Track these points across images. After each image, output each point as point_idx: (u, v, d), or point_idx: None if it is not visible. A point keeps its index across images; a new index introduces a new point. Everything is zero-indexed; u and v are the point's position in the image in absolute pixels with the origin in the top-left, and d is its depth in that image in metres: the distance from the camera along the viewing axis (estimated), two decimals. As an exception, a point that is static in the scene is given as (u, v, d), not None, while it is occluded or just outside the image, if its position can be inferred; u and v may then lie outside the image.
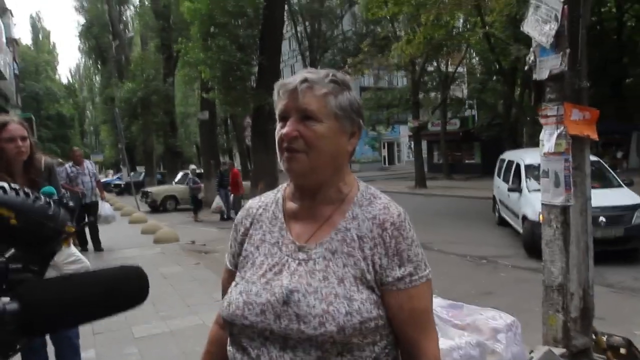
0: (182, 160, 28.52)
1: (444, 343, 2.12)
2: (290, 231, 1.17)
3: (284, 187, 1.28)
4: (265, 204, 1.26)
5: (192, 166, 16.35)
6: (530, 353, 3.18)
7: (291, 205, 1.21)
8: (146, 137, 25.74)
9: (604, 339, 3.51)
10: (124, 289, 0.96)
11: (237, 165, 21.28)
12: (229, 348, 1.16)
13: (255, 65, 12.56)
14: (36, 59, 51.49)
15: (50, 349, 2.92)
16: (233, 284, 1.18)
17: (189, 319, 4.92)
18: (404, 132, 35.85)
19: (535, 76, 3.46)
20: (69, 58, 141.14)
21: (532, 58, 3.48)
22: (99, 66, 35.72)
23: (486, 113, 27.81)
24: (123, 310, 0.99)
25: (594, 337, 3.44)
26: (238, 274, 1.20)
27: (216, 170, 15.72)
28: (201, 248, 9.33)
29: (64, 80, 69.05)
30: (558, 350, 3.20)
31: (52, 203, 0.94)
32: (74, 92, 63.83)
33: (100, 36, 32.44)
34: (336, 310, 1.03)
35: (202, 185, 15.73)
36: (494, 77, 22.21)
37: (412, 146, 26.62)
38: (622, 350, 3.43)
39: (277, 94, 1.16)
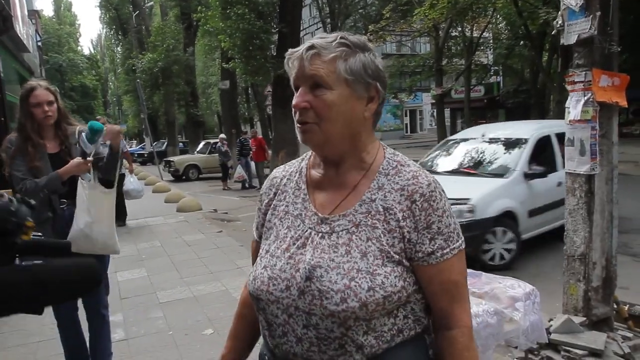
0: (204, 129, 28.71)
1: (461, 311, 2.14)
2: (314, 202, 1.15)
3: (308, 156, 1.24)
4: (290, 173, 1.24)
5: (222, 135, 16.41)
6: (549, 321, 3.19)
7: (315, 174, 1.18)
8: (168, 107, 25.88)
9: (626, 308, 3.49)
10: (74, 280, 1.15)
11: (259, 134, 21.34)
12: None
13: (275, 33, 12.41)
14: (58, 30, 51.72)
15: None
16: (258, 257, 1.18)
17: (212, 285, 5.05)
18: (426, 100, 35.25)
19: (562, 41, 3.34)
20: (90, 29, 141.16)
21: (559, 22, 3.35)
22: (120, 37, 35.72)
23: (512, 79, 27.10)
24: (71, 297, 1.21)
25: (615, 306, 3.42)
26: (262, 245, 1.19)
27: (237, 140, 15.76)
28: (223, 216, 9.47)
29: (86, 52, 69.48)
30: (578, 319, 3.19)
31: (14, 200, 1.09)
32: (96, 63, 64.21)
33: (120, 7, 32.35)
34: (358, 286, 1.00)
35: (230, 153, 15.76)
36: (521, 42, 21.48)
37: (435, 114, 26.19)
38: (644, 320, 3.41)
39: (287, 64, 1.12)
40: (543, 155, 6.58)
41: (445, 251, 1.06)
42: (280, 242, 1.13)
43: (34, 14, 24.03)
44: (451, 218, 1.09)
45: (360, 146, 1.12)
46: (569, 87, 3.36)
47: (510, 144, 6.50)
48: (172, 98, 24.63)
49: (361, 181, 1.12)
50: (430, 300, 1.10)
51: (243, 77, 13.76)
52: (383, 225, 1.06)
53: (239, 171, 14.57)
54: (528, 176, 5.97)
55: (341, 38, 1.08)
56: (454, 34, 22.44)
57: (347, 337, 1.02)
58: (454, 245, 1.07)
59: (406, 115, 41.00)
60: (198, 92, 28.28)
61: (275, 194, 1.23)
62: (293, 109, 1.10)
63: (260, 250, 1.19)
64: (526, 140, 6.34)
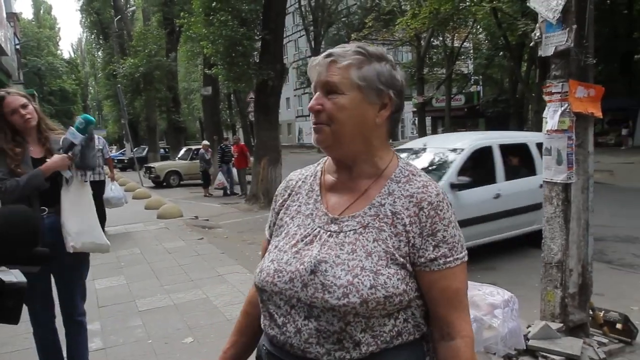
0: (186, 136, 28.49)
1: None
2: (326, 203, 1.19)
3: (324, 161, 1.29)
4: (305, 176, 1.29)
5: (205, 142, 16.29)
6: (527, 327, 3.23)
7: (329, 177, 1.23)
8: (149, 113, 25.64)
9: (601, 314, 3.55)
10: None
11: (241, 141, 21.28)
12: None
13: (258, 40, 12.41)
14: (38, 34, 50.98)
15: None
16: (267, 252, 1.22)
17: (193, 292, 4.99)
18: (407, 108, 35.58)
19: (540, 52, 3.42)
20: (70, 33, 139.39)
21: (537, 34, 3.44)
22: (101, 41, 35.32)
23: (492, 89, 27.58)
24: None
25: (591, 312, 3.49)
26: (271, 242, 1.24)
27: (218, 146, 15.67)
28: (204, 223, 9.39)
29: (66, 56, 68.56)
30: (555, 325, 3.24)
31: None
32: (76, 67, 63.35)
33: (101, 11, 32.00)
34: (360, 283, 1.04)
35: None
36: (501, 53, 21.87)
37: (416, 122, 26.46)
38: (619, 326, 3.48)
39: (309, 71, 1.18)
40: (482, 167, 6.58)
41: (448, 259, 1.09)
42: (289, 238, 1.18)
43: (13, 17, 23.64)
44: (457, 230, 1.12)
45: (372, 151, 1.17)
46: (546, 98, 3.44)
47: (445, 155, 6.48)
48: (153, 104, 24.42)
49: (372, 186, 1.16)
50: (430, 306, 1.12)
51: (225, 83, 13.69)
52: (390, 229, 1.09)
53: (220, 178, 14.48)
54: (455, 187, 5.87)
55: (358, 47, 1.14)
56: (435, 43, 22.75)
57: (345, 333, 1.05)
58: (458, 256, 1.10)
59: (388, 123, 41.27)
60: (180, 98, 28.08)
61: (289, 195, 1.28)
62: (309, 112, 1.17)
63: (270, 246, 1.23)
64: (460, 151, 6.30)
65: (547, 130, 3.40)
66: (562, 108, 3.30)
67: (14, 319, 1.15)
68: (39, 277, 2.65)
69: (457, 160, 6.15)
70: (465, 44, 23.35)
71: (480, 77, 27.03)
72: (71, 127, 2.72)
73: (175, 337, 3.94)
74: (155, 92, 23.02)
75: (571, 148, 3.31)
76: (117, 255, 6.61)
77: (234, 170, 14.48)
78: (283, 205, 1.27)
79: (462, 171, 6.09)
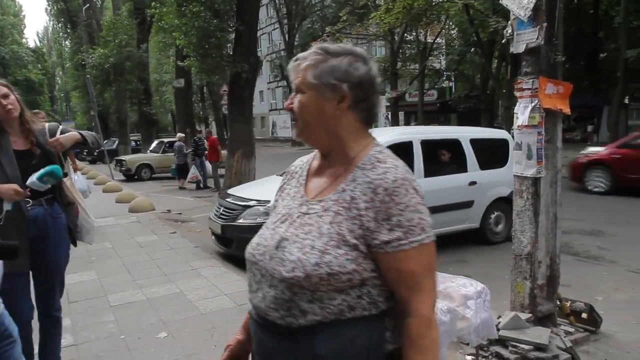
0: (157, 128, 27.98)
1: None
2: (306, 187, 1.33)
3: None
4: (303, 162, 1.43)
5: (180, 134, 16.04)
6: (498, 318, 3.32)
7: (314, 164, 1.37)
8: (120, 105, 25.04)
9: (568, 304, 3.68)
10: None
11: (214, 134, 21.03)
12: None
13: (232, 32, 12.27)
14: (1, 21, 49.19)
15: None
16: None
17: (166, 287, 4.94)
18: (381, 103, 35.81)
19: (512, 49, 3.50)
20: (36, 21, 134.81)
21: (509, 31, 3.50)
22: (69, 30, 34.34)
23: (463, 85, 27.99)
24: None
25: (558, 303, 3.61)
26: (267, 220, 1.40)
27: (191, 139, 15.46)
28: (177, 217, 9.28)
29: (32, 44, 66.27)
30: (524, 316, 3.34)
31: None
32: (42, 56, 61.39)
33: (69, -1, 31.18)
34: (307, 260, 1.16)
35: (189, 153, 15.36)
36: (472, 49, 22.21)
37: (390, 117, 26.67)
38: (584, 315, 3.61)
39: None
40: None
41: (402, 242, 1.15)
42: (274, 217, 1.33)
43: (-26, 3, 22.71)
44: (416, 213, 1.17)
45: (341, 141, 1.27)
46: (517, 94, 3.52)
47: None
48: (124, 95, 23.88)
49: (343, 173, 1.26)
50: (390, 286, 1.20)
51: (198, 75, 13.49)
52: (346, 213, 1.19)
53: (193, 171, 14.31)
54: None
55: (318, 47, 1.28)
56: (408, 38, 22.94)
57: (293, 302, 1.18)
58: (414, 239, 1.16)
59: (362, 118, 41.45)
60: (151, 90, 27.55)
61: (288, 179, 1.43)
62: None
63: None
64: None
65: (518, 126, 3.48)
66: (533, 104, 3.38)
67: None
68: (22, 272, 2.60)
69: None
70: (438, 39, 23.62)
71: (453, 73, 27.40)
72: (34, 176, 2.57)
73: (148, 332, 3.90)
74: (125, 83, 22.50)
75: (541, 143, 3.40)
76: (88, 250, 6.47)
77: (208, 164, 14.32)
78: (280, 188, 1.43)
79: None
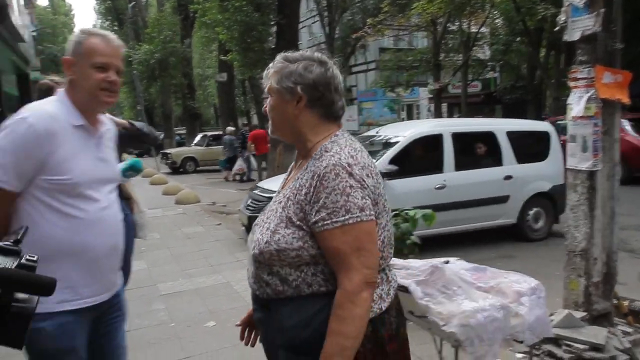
0: (201, 122, 28.56)
1: (468, 305, 2.15)
2: (286, 179, 1.55)
3: None
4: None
5: (230, 128, 16.38)
6: (550, 316, 3.22)
7: (298, 159, 1.54)
8: (165, 99, 25.71)
9: (626, 303, 3.52)
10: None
11: (247, 127, 21.30)
12: None
13: (273, 25, 12.35)
14: (53, 20, 51.20)
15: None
16: None
17: (213, 277, 5.06)
18: (423, 94, 35.22)
19: (565, 37, 3.35)
20: (85, 19, 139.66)
21: (563, 18, 3.36)
22: (116, 27, 35.41)
23: (509, 75, 27.13)
24: None
25: (615, 301, 3.46)
26: None
27: (238, 132, 15.72)
28: (222, 209, 9.47)
29: (82, 42, 68.73)
30: (578, 314, 3.23)
31: None
32: (92, 53, 63.53)
33: (116, -3, 32.14)
34: (262, 239, 1.38)
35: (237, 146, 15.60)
36: (518, 38, 21.48)
37: (432, 109, 26.19)
38: (644, 315, 3.44)
39: None
40: (427, 156, 6.36)
41: (326, 222, 1.29)
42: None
43: (29, 4, 23.78)
44: (342, 196, 1.29)
45: (302, 136, 1.46)
46: (571, 84, 3.38)
47: (388, 143, 6.30)
48: (168, 90, 24.50)
49: (303, 164, 1.45)
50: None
51: (241, 69, 13.65)
52: (295, 198, 1.36)
53: (240, 164, 14.56)
54: (382, 175, 5.74)
55: (281, 57, 1.46)
56: (451, 28, 22.40)
57: (258, 275, 1.41)
58: (337, 219, 1.29)
59: (403, 110, 40.95)
60: (195, 84, 28.11)
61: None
62: None
63: None
64: (399, 140, 6.13)
65: (572, 117, 3.35)
66: (588, 94, 3.23)
67: (18, 344, 1.08)
68: None
69: (391, 149, 5.97)
70: (482, 29, 22.98)
71: (498, 63, 26.61)
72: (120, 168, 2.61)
73: (197, 320, 4.00)
74: (170, 78, 23.07)
75: (597, 135, 3.25)
76: (137, 241, 6.69)
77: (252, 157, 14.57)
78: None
79: (400, 160, 5.87)
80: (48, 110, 1.67)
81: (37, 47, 24.83)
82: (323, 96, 1.44)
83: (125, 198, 2.99)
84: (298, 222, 1.34)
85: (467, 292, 2.25)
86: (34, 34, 21.65)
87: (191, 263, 5.62)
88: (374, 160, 1.58)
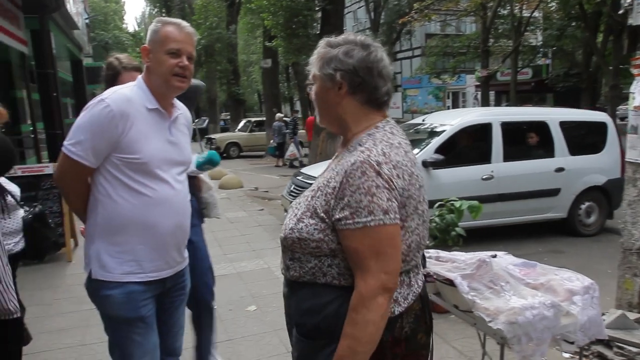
0: (245, 108, 28.89)
1: (516, 302, 2.08)
2: (327, 167, 1.50)
3: None
4: None
5: (279, 114, 16.63)
6: (601, 316, 3.08)
7: (340, 147, 1.51)
8: (210, 85, 26.09)
9: (686, 306, 3.32)
10: None
11: (299, 113, 21.37)
12: None
13: (319, 11, 12.26)
14: (105, 8, 52.75)
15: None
16: None
17: (255, 262, 5.12)
18: (470, 82, 34.29)
19: (631, 21, 3.16)
20: (135, 7, 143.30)
21: (628, 0, 3.16)
22: (164, 14, 36.14)
23: (562, 62, 25.96)
24: None
25: (674, 303, 3.27)
26: None
27: (290, 119, 15.93)
28: (264, 195, 9.58)
29: (131, 29, 70.76)
30: (632, 315, 3.08)
31: None
32: (140, 40, 65.29)
33: (164, -16, 32.68)
34: (287, 224, 1.39)
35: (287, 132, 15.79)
36: (574, 23, 20.46)
37: (479, 96, 25.47)
38: None
39: None
40: (474, 146, 6.14)
41: (348, 221, 1.26)
42: None
43: (83, -8, 24.55)
44: (366, 196, 1.25)
45: (344, 126, 1.42)
46: (635, 71, 3.18)
47: (434, 131, 6.09)
48: (214, 76, 24.83)
49: (339, 155, 1.43)
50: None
51: (285, 55, 13.66)
52: (324, 190, 1.33)
53: (292, 149, 14.76)
54: (428, 165, 5.51)
55: (324, 42, 1.42)
56: (502, 13, 21.59)
57: (283, 257, 1.44)
58: (360, 220, 1.25)
59: (448, 97, 40.07)
60: (239, 71, 28.40)
61: None
62: None
63: None
64: (446, 128, 5.92)
65: (635, 107, 3.16)
66: (653, 83, 3.04)
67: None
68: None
69: (437, 138, 5.80)
70: (535, 13, 22.03)
71: (551, 49, 25.48)
72: (192, 165, 2.50)
73: (239, 304, 4.07)
74: (215, 64, 23.36)
75: (661, 127, 3.06)
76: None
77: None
78: None
79: (446, 149, 5.70)
80: (125, 94, 1.78)
81: (89, 34, 25.68)
82: (364, 82, 1.37)
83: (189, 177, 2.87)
84: (322, 215, 1.32)
85: (515, 288, 2.17)
86: (87, 21, 22.38)
87: (233, 247, 5.71)
88: (415, 157, 1.46)
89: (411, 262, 1.39)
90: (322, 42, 1.43)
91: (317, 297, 1.35)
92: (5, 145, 2.15)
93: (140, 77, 1.88)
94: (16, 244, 2.48)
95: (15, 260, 2.53)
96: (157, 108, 1.83)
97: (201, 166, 2.59)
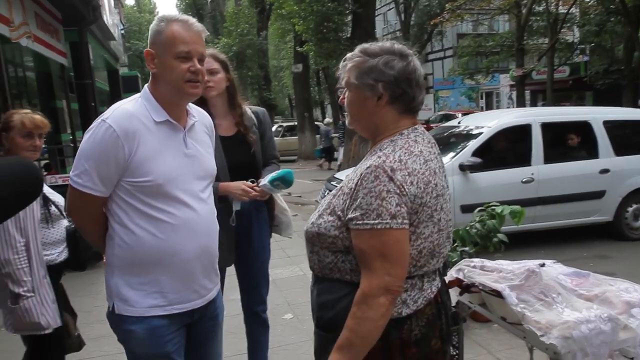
0: (276, 112, 29.10)
1: (570, 314, 1.96)
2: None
3: None
4: None
5: (328, 119, 17.00)
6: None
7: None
8: (241, 91, 26.41)
9: None
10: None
11: (329, 117, 21.37)
12: None
13: (349, 14, 12.23)
14: (139, 18, 54.20)
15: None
16: None
17: (290, 269, 5.10)
18: (503, 81, 33.59)
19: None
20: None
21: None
22: (196, 23, 36.81)
23: (601, 59, 25.11)
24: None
25: None
26: None
27: (339, 124, 16.08)
28: (297, 200, 9.57)
29: (165, 38, 72.34)
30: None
31: None
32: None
33: (196, -7, 33.38)
34: (310, 219, 1.49)
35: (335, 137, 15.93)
36: (613, 18, 19.76)
37: (513, 96, 24.89)
38: None
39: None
40: (513, 148, 5.92)
41: (358, 222, 1.32)
42: None
43: (118, 4, 25.28)
44: (376, 199, 1.30)
45: (376, 132, 1.46)
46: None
47: (470, 134, 5.90)
48: (245, 82, 25.10)
49: (365, 157, 1.48)
50: None
51: (316, 60, 13.67)
52: (343, 190, 1.41)
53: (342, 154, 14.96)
54: (465, 168, 5.34)
55: (360, 50, 1.44)
56: (537, 10, 21.05)
57: (306, 248, 1.53)
58: (368, 221, 1.31)
59: (482, 98, 39.35)
60: (270, 76, 28.64)
61: None
62: None
63: None
64: (483, 131, 5.71)
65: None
66: None
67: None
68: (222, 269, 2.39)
69: (474, 141, 5.62)
70: (572, 9, 21.39)
71: (589, 45, 24.67)
72: (269, 176, 2.39)
73: (275, 312, 4.03)
74: (247, 70, 23.62)
75: None
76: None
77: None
78: None
79: (484, 152, 5.53)
80: (127, 109, 1.59)
81: (125, 44, 26.39)
82: (404, 93, 1.41)
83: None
84: (339, 213, 1.38)
85: (568, 300, 2.06)
86: (122, 32, 23.00)
87: (268, 253, 5.70)
88: (438, 166, 1.45)
89: (423, 268, 1.42)
90: (358, 50, 1.44)
91: (331, 292, 1.43)
92: (32, 171, 1.93)
93: (145, 86, 1.68)
94: (59, 253, 2.51)
95: (59, 270, 2.56)
96: (167, 120, 1.63)
97: (272, 183, 2.36)
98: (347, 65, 1.44)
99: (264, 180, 2.35)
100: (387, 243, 1.31)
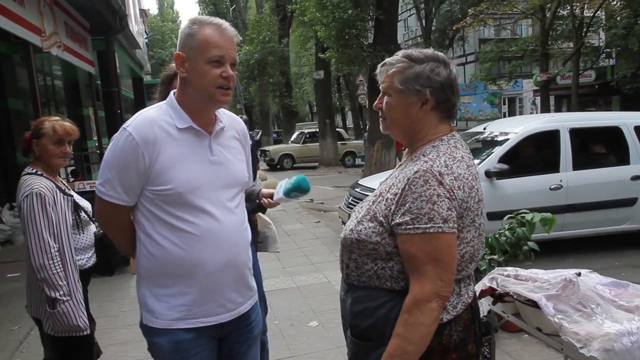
0: (297, 119, 29.22)
1: (610, 326, 1.89)
2: (391, 174, 1.55)
3: None
4: None
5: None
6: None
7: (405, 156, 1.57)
8: (263, 98, 26.58)
9: None
10: None
11: (350, 123, 21.37)
12: None
13: (371, 20, 12.22)
14: (162, 27, 55.18)
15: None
16: None
17: (314, 276, 5.07)
18: (527, 87, 33.12)
19: None
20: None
21: None
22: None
23: (628, 62, 24.57)
24: None
25: None
26: None
27: (363, 130, 16.11)
28: (320, 207, 9.55)
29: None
30: None
31: None
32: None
33: (217, 2, 33.78)
34: (348, 226, 1.48)
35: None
36: (640, 20, 19.31)
37: (536, 102, 24.49)
38: None
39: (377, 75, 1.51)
40: (541, 154, 5.76)
41: (409, 226, 1.31)
42: None
43: (142, 13, 25.77)
44: (428, 204, 1.30)
45: (416, 138, 1.47)
46: None
47: (496, 140, 5.77)
48: (266, 89, 25.29)
49: (404, 164, 1.49)
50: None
51: (339, 66, 13.66)
52: (384, 195, 1.40)
53: None
54: (491, 175, 5.23)
55: (403, 55, 1.44)
56: (561, 13, 20.71)
57: (341, 257, 1.52)
58: (420, 226, 1.30)
59: (504, 104, 38.85)
60: (292, 82, 28.79)
61: None
62: None
63: None
64: (509, 137, 5.59)
65: None
66: None
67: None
68: None
69: (500, 147, 5.51)
70: (597, 12, 20.98)
71: (615, 49, 24.15)
72: (280, 192, 2.12)
73: (300, 319, 4.02)
74: (268, 77, 23.79)
75: None
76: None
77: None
78: None
79: (510, 158, 5.41)
80: (149, 116, 1.55)
81: (148, 52, 26.85)
82: (448, 99, 1.44)
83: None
84: (381, 219, 1.38)
85: (608, 311, 1.98)
86: (147, 40, 23.41)
87: (292, 260, 5.68)
88: (476, 171, 1.45)
89: (462, 272, 1.42)
90: (401, 55, 1.44)
91: (370, 300, 1.41)
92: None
93: (172, 92, 1.62)
94: (88, 259, 2.54)
95: (88, 275, 2.59)
96: (191, 126, 1.56)
97: (289, 194, 2.14)
98: (389, 70, 1.44)
99: (279, 193, 2.14)
100: (439, 247, 1.31)
